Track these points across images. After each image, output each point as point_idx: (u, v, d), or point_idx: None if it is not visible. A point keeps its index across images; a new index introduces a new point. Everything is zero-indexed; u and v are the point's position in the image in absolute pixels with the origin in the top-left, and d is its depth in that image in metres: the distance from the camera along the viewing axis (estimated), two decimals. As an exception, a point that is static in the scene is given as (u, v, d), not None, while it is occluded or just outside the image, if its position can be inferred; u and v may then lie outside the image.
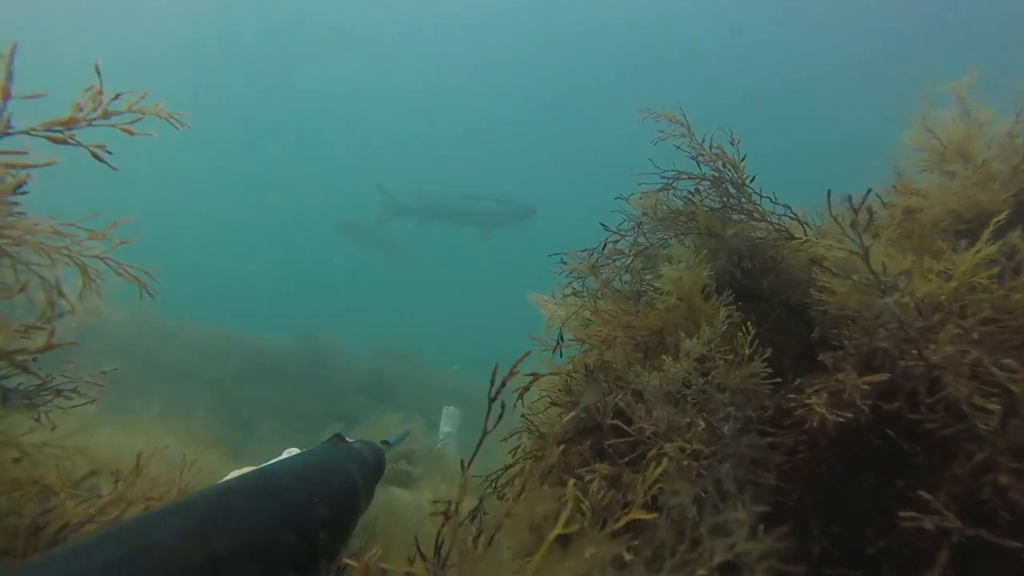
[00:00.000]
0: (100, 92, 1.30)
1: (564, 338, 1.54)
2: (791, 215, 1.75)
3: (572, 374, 1.30)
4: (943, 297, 1.09)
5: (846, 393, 1.05)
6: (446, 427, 7.40)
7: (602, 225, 1.73)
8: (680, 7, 24.19)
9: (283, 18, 26.22)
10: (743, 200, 1.71)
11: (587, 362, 1.34)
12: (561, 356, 1.49)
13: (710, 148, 1.70)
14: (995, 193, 1.60)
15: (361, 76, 28.31)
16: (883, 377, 1.05)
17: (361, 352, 12.10)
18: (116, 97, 1.32)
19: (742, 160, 1.70)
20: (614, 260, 1.69)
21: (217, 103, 26.26)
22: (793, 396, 1.13)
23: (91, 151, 1.31)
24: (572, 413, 1.08)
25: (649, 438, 1.03)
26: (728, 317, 1.27)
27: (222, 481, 0.72)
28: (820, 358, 1.18)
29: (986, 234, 1.13)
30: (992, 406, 0.97)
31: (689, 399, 1.08)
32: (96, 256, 1.47)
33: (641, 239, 1.75)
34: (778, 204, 1.74)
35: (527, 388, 0.90)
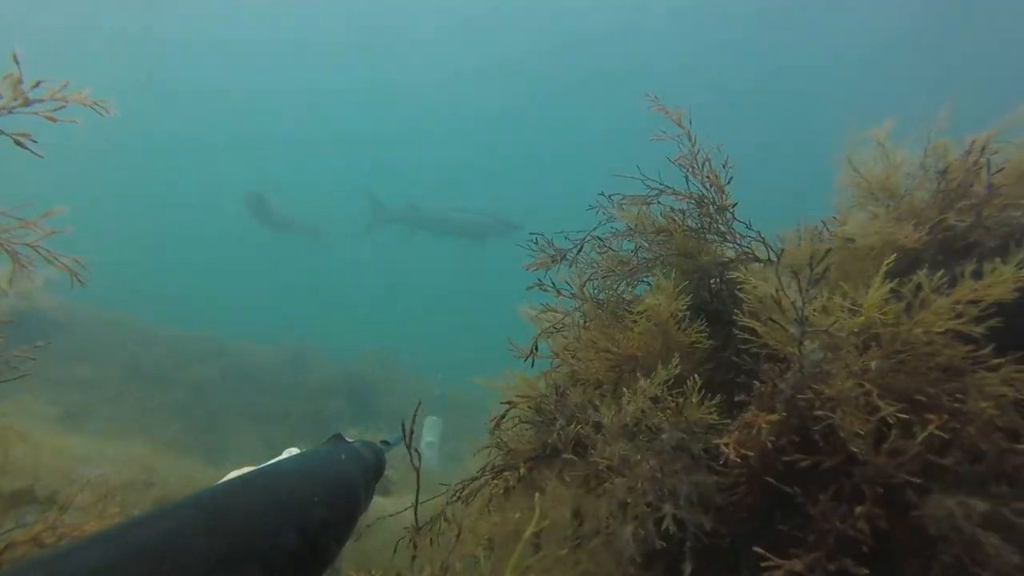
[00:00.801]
0: (20, 81, 1.28)
1: (539, 349, 1.56)
2: (759, 238, 1.82)
3: (544, 397, 1.31)
4: (851, 332, 1.13)
5: (754, 431, 1.08)
6: (428, 436, 7.36)
7: (597, 238, 1.74)
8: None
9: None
10: (720, 223, 1.76)
11: (558, 382, 1.35)
12: (533, 366, 1.50)
13: (703, 165, 1.74)
14: (910, 231, 1.69)
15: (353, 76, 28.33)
16: (778, 416, 1.08)
17: (344, 358, 11.99)
18: (37, 85, 1.31)
19: (728, 182, 1.74)
20: (602, 278, 1.71)
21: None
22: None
23: (15, 139, 1.30)
24: (545, 438, 1.09)
25: (602, 471, 1.05)
26: (696, 344, 1.29)
27: (221, 481, 0.72)
28: (736, 398, 1.21)
29: (882, 272, 1.18)
30: (862, 431, 1.00)
31: (642, 436, 1.10)
32: (28, 244, 1.45)
33: (624, 248, 1.78)
34: (750, 229, 1.79)
35: (503, 417, 0.91)
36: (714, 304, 1.71)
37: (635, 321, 1.47)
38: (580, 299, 1.61)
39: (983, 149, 1.74)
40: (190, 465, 4.71)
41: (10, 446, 3.27)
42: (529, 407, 1.33)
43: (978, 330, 1.19)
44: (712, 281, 1.73)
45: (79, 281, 1.62)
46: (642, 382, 1.18)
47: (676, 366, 1.22)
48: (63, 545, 0.50)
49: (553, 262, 1.70)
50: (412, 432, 1.21)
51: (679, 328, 1.47)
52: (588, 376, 1.35)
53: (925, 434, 0.95)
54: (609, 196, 1.78)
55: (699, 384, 1.19)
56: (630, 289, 1.75)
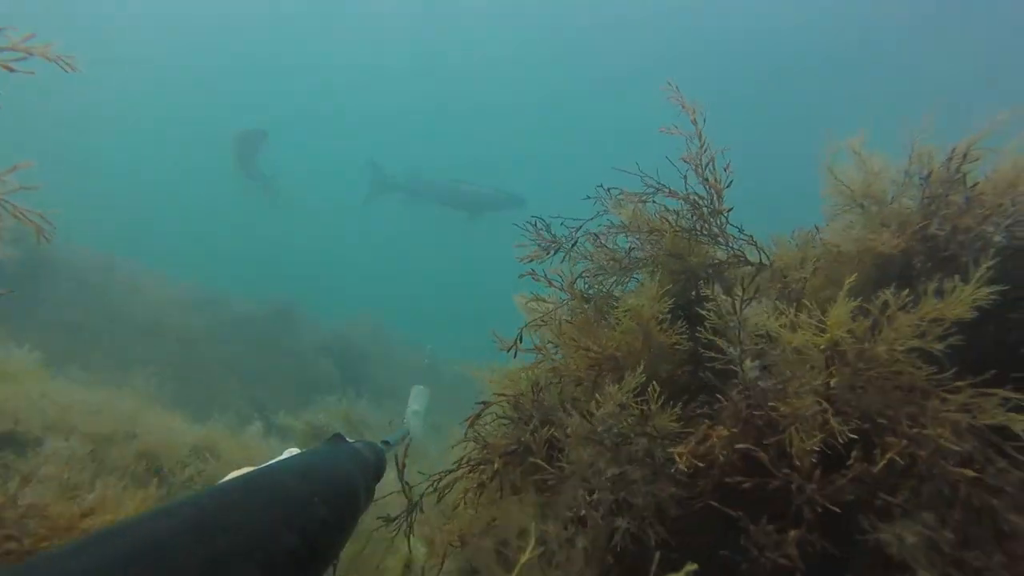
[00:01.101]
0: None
1: (525, 341, 1.56)
2: (751, 242, 1.81)
3: (520, 396, 1.31)
4: (818, 349, 1.13)
5: (708, 443, 1.08)
6: (414, 405, 7.43)
7: (596, 235, 1.73)
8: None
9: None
10: (713, 224, 1.74)
11: (538, 378, 1.35)
12: (515, 356, 1.50)
13: (707, 166, 1.72)
14: (889, 237, 1.67)
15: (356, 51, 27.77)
16: (728, 432, 1.09)
17: (335, 320, 11.99)
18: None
19: (728, 185, 1.72)
20: (594, 276, 1.70)
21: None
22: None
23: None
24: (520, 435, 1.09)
25: (567, 477, 1.05)
26: (676, 345, 1.29)
27: (222, 481, 0.72)
28: (695, 411, 1.21)
29: (844, 290, 1.18)
30: (810, 449, 1.01)
31: (607, 444, 1.11)
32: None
33: (619, 243, 1.77)
34: (743, 234, 1.78)
35: (478, 416, 0.91)
36: (697, 307, 1.71)
37: (618, 320, 1.47)
38: (569, 294, 1.59)
39: (964, 156, 1.71)
40: (173, 419, 4.73)
41: (-8, 388, 3.27)
42: (508, 403, 1.33)
43: (939, 348, 1.20)
44: (700, 283, 1.73)
45: (44, 239, 1.61)
46: (610, 388, 1.18)
47: (641, 374, 1.23)
48: (62, 545, 0.50)
49: (547, 253, 1.69)
50: (408, 435, 1.22)
51: (660, 329, 1.47)
52: (568, 373, 1.35)
53: (883, 462, 0.96)
54: (608, 189, 1.76)
55: (658, 391, 1.19)
56: (620, 287, 1.74)
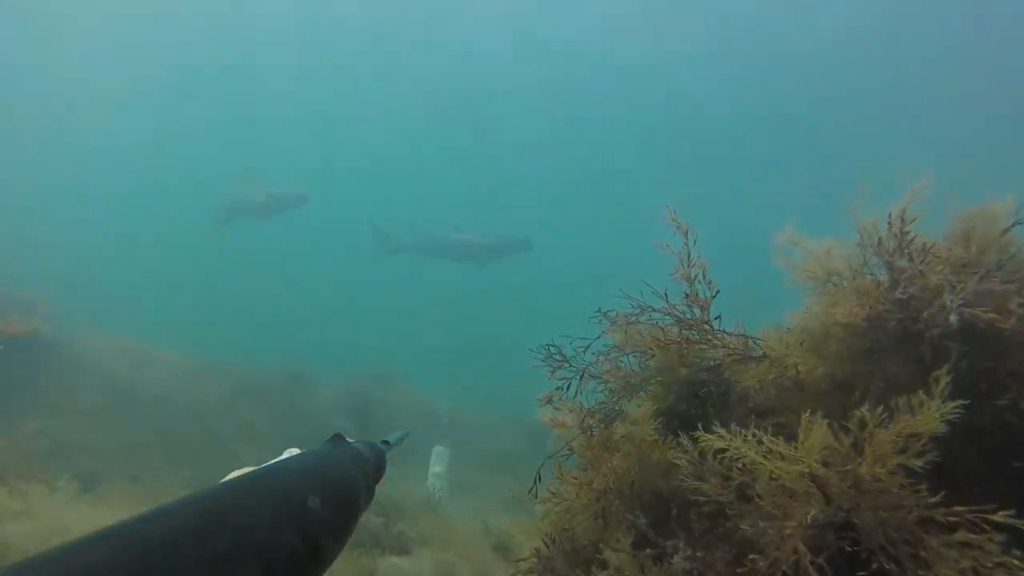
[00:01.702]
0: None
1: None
2: (745, 335, 1.92)
3: (546, 560, 1.43)
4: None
5: None
6: (436, 467, 7.44)
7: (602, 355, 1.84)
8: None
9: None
10: (705, 330, 1.87)
11: (553, 530, 1.46)
12: (536, 497, 1.63)
13: (694, 279, 1.83)
14: (849, 307, 1.69)
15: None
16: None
17: (347, 379, 11.97)
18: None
19: (715, 295, 1.85)
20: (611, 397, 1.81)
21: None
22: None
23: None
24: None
25: None
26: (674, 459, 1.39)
27: (222, 481, 0.72)
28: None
29: (818, 415, 1.24)
30: None
31: None
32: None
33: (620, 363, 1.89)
34: (741, 332, 1.90)
35: None
36: (694, 411, 1.82)
37: (617, 445, 1.59)
38: (580, 429, 1.72)
39: (901, 220, 1.70)
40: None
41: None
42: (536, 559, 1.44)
43: (919, 464, 1.29)
44: (702, 391, 1.84)
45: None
46: (611, 556, 1.29)
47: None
48: (60, 545, 0.49)
49: (565, 386, 1.81)
50: (408, 435, 1.26)
51: (656, 448, 1.58)
52: (579, 509, 1.46)
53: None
54: (604, 313, 1.90)
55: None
56: (630, 403, 1.86)
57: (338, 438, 1.00)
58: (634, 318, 1.85)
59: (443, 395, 11.16)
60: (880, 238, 1.81)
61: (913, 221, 1.76)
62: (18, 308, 9.36)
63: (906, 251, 1.75)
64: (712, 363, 1.87)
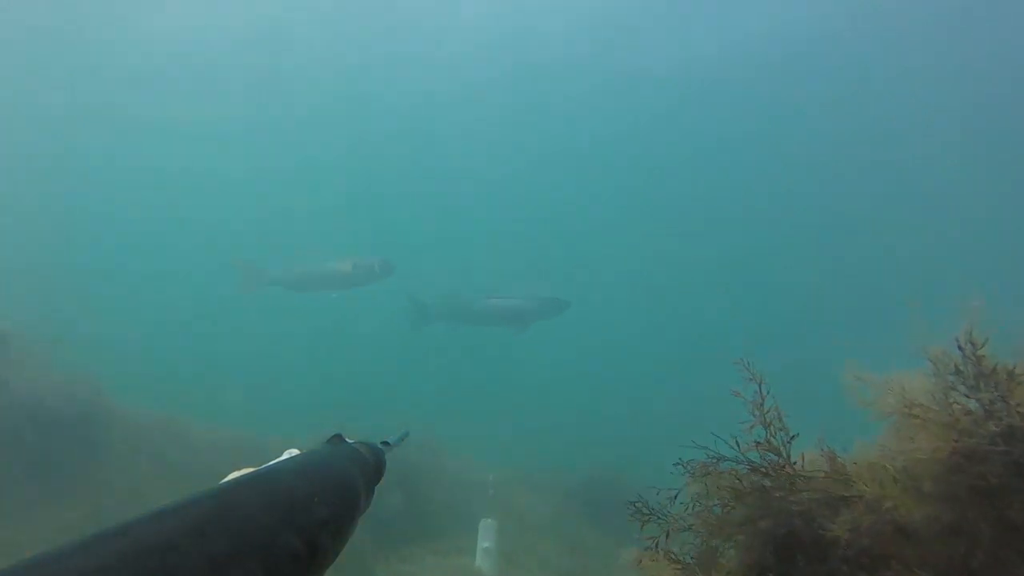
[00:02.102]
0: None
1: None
2: (832, 476, 1.88)
3: None
4: None
5: None
6: (484, 542, 7.29)
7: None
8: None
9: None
10: (785, 474, 1.85)
11: None
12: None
13: (768, 427, 1.83)
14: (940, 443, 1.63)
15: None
16: None
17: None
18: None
19: (792, 439, 1.84)
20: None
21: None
22: None
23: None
24: None
25: None
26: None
27: (222, 481, 0.72)
28: None
29: None
30: None
31: None
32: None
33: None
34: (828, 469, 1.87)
35: None
36: (781, 567, 1.79)
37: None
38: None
39: (972, 344, 1.66)
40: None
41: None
42: None
43: None
44: (792, 541, 1.81)
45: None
46: None
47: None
48: (62, 544, 0.49)
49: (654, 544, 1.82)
50: (408, 435, 1.25)
51: None
52: None
53: None
54: (685, 463, 1.91)
55: None
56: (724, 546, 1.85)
57: (337, 438, 1.00)
58: (711, 468, 1.85)
59: (482, 455, 10.93)
60: (956, 366, 1.79)
61: (983, 346, 1.75)
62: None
63: (991, 380, 1.71)
64: (797, 508, 1.84)
